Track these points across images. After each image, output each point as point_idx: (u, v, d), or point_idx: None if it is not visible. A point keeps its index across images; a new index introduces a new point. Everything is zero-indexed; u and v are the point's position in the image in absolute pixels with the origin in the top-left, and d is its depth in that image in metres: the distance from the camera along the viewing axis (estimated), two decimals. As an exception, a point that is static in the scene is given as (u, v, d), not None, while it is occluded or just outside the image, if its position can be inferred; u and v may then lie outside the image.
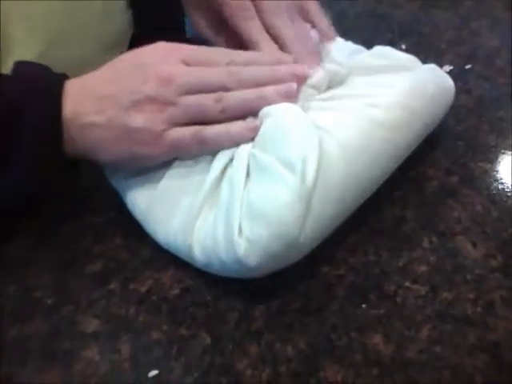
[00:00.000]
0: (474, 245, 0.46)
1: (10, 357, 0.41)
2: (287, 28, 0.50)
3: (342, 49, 0.53)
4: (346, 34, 0.55)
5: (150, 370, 0.39)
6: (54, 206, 0.50)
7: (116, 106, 0.43)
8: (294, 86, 0.45)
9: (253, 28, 0.50)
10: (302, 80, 0.46)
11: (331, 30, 0.53)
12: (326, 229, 0.44)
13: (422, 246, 0.46)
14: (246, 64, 0.47)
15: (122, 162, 0.46)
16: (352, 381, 0.38)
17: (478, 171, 0.52)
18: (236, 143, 0.44)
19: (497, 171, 0.52)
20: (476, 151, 0.54)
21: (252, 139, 0.44)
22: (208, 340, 0.41)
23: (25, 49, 0.47)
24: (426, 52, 0.54)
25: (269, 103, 0.44)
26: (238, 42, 0.51)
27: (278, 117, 0.44)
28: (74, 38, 0.45)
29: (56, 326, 0.42)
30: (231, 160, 0.44)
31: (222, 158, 0.44)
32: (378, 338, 0.40)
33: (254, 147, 0.44)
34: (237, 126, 0.44)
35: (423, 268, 0.44)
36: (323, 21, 0.53)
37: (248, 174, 0.43)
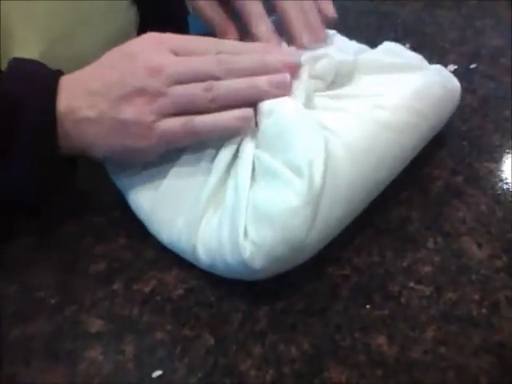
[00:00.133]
0: (479, 245, 0.46)
1: (14, 357, 0.41)
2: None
3: (345, 48, 0.52)
4: (350, 33, 0.55)
5: (153, 371, 0.39)
6: (55, 205, 0.51)
7: (107, 100, 0.43)
8: (288, 76, 0.44)
9: (254, 11, 0.49)
10: (294, 70, 0.45)
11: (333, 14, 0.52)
12: (333, 230, 0.44)
13: (426, 247, 0.46)
14: (236, 53, 0.46)
15: (117, 157, 0.46)
16: (356, 381, 0.38)
17: (483, 171, 0.52)
18: (227, 133, 0.44)
19: (502, 171, 0.52)
20: (481, 151, 0.53)
21: (253, 138, 0.44)
22: (212, 340, 0.41)
23: (26, 48, 0.47)
24: (430, 51, 0.54)
25: (260, 93, 0.44)
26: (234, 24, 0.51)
27: (282, 116, 0.43)
28: (76, 38, 0.46)
29: (59, 326, 0.42)
30: (234, 159, 0.44)
31: (224, 157, 0.44)
32: (382, 339, 0.40)
33: (257, 147, 0.44)
34: (228, 116, 0.43)
35: (428, 268, 0.44)
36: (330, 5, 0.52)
37: (253, 176, 0.43)
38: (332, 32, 0.54)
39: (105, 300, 0.44)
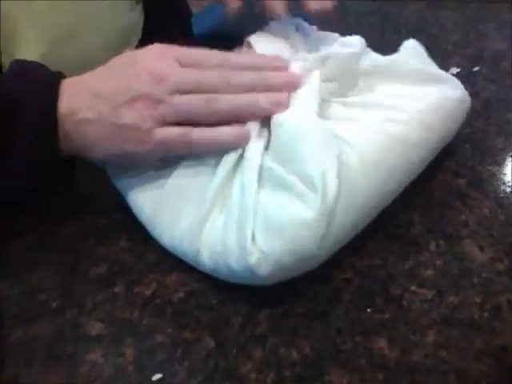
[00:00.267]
0: (481, 248, 0.45)
1: (15, 359, 0.41)
2: None
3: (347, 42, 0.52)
4: (353, 34, 0.55)
5: (154, 374, 0.39)
6: (56, 207, 0.51)
7: (108, 103, 0.44)
8: (286, 96, 0.45)
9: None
10: (295, 87, 0.45)
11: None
12: (343, 240, 0.44)
13: (428, 250, 0.46)
14: (240, 66, 0.47)
15: (116, 160, 0.47)
16: (357, 385, 0.38)
17: (486, 174, 0.52)
18: (223, 148, 0.44)
19: (505, 174, 0.52)
20: (484, 154, 0.53)
21: (258, 142, 0.44)
22: (212, 343, 0.41)
23: (27, 49, 0.47)
24: (432, 54, 0.54)
25: (260, 110, 0.44)
26: None
27: (294, 126, 0.43)
28: (77, 38, 0.46)
29: (60, 328, 0.42)
30: (238, 163, 0.44)
31: (227, 160, 0.44)
32: (383, 343, 0.40)
33: (267, 155, 0.43)
34: (225, 131, 0.44)
35: (430, 272, 0.44)
36: None
37: (262, 183, 0.43)
38: (334, 35, 0.54)
39: (106, 303, 0.44)
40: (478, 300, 0.42)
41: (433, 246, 0.46)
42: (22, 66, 0.46)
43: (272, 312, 0.42)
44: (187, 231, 0.44)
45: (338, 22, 0.52)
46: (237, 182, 0.44)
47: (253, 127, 0.45)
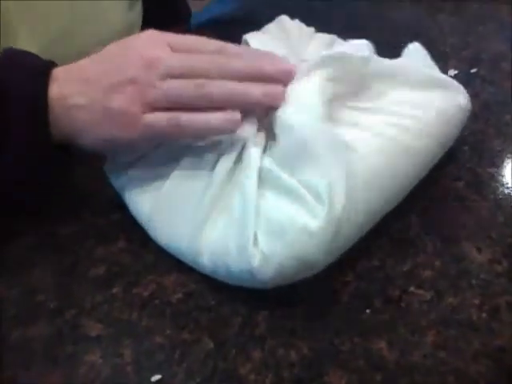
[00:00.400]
0: (480, 250, 0.45)
1: (14, 359, 0.41)
2: None
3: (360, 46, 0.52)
4: (350, 37, 0.55)
5: (152, 375, 0.39)
6: (56, 207, 0.51)
7: (98, 88, 0.43)
8: (281, 88, 0.44)
9: None
10: (289, 78, 0.45)
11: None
12: (346, 247, 0.43)
13: (427, 251, 0.46)
14: (233, 55, 0.46)
15: (104, 146, 0.46)
16: (356, 386, 0.38)
17: (485, 176, 0.52)
18: (214, 134, 0.44)
19: (503, 176, 0.52)
20: (482, 156, 0.53)
21: (257, 142, 0.44)
22: (211, 344, 0.41)
23: (25, 46, 0.47)
24: (430, 56, 0.54)
25: (252, 101, 0.44)
26: None
27: (301, 130, 0.42)
28: (75, 37, 0.46)
29: (59, 329, 0.42)
30: (236, 163, 0.44)
31: (225, 160, 0.44)
32: (382, 343, 0.40)
33: (269, 157, 0.43)
34: (215, 116, 0.43)
35: (428, 273, 0.44)
36: None
37: (264, 185, 0.43)
38: (332, 36, 0.54)
39: (104, 304, 0.44)
40: (477, 301, 0.42)
41: (431, 248, 0.46)
42: (12, 54, 0.46)
43: (271, 313, 0.42)
44: (186, 232, 0.44)
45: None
46: (236, 182, 0.43)
47: (251, 125, 0.44)
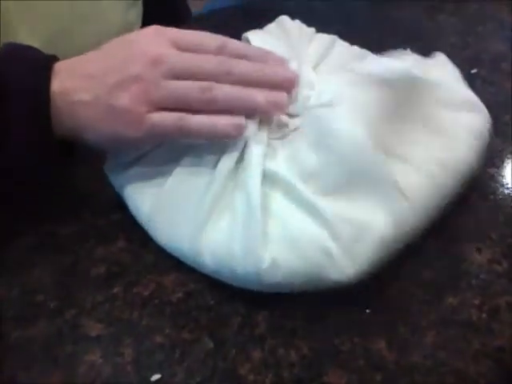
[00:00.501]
0: (479, 250, 0.45)
1: (14, 360, 0.41)
2: None
3: (346, 53, 0.53)
4: (351, 37, 0.55)
5: (152, 374, 0.39)
6: (56, 207, 0.51)
7: (103, 85, 0.43)
8: (284, 96, 0.44)
9: None
10: (293, 85, 0.45)
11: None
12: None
13: (427, 251, 0.46)
14: (238, 53, 0.45)
15: (107, 143, 0.46)
16: (355, 386, 0.38)
17: (484, 176, 0.52)
18: (218, 138, 0.44)
19: (503, 176, 0.52)
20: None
21: (258, 144, 0.44)
22: (211, 344, 0.41)
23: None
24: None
25: (256, 107, 0.44)
26: None
27: (351, 158, 0.42)
28: (75, 36, 0.46)
29: (59, 329, 0.42)
30: (238, 162, 0.44)
31: (227, 160, 0.44)
32: (381, 344, 0.40)
33: (293, 165, 0.43)
34: (222, 121, 0.43)
35: (428, 273, 0.44)
36: None
37: (275, 189, 0.43)
38: (333, 37, 0.54)
39: (104, 303, 0.44)
40: (477, 302, 0.42)
41: (431, 248, 0.46)
42: (13, 48, 0.46)
43: (271, 313, 0.42)
44: (187, 232, 0.44)
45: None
46: (238, 181, 0.43)
47: (252, 124, 0.44)
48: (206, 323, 0.42)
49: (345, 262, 0.40)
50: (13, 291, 0.45)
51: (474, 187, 0.50)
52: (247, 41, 0.50)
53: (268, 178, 0.43)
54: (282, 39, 0.51)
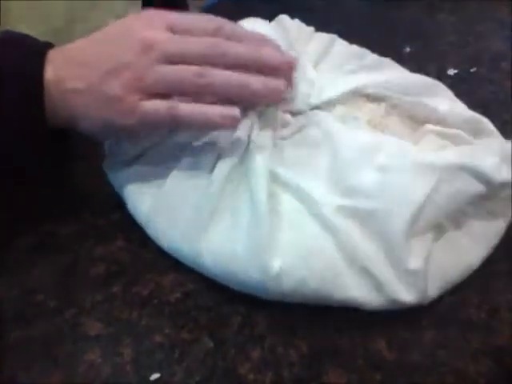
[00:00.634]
0: (479, 249, 0.45)
1: (13, 359, 0.41)
2: None
3: (345, 52, 0.52)
4: (350, 36, 0.55)
5: (151, 374, 0.39)
6: (56, 207, 0.51)
7: (96, 73, 0.43)
8: (282, 84, 0.43)
9: None
10: (290, 69, 0.44)
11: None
12: None
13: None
14: (235, 35, 0.44)
15: (101, 131, 0.46)
16: (355, 385, 0.38)
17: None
18: (211, 128, 0.43)
19: (502, 175, 0.51)
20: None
21: (262, 147, 0.43)
22: (210, 344, 0.41)
23: None
24: (430, 55, 0.54)
25: (252, 94, 0.43)
26: None
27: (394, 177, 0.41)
28: (74, 35, 0.45)
29: (59, 329, 0.42)
30: (240, 162, 0.44)
31: (226, 160, 0.44)
32: (381, 343, 0.40)
33: (307, 173, 0.43)
34: (215, 111, 0.42)
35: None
36: None
37: (287, 192, 0.43)
38: (332, 36, 0.54)
39: (104, 303, 0.44)
40: (476, 300, 0.42)
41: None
42: (8, 35, 0.45)
43: (270, 312, 0.42)
44: (187, 233, 0.44)
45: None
46: (239, 182, 0.43)
47: (252, 124, 0.44)
48: (206, 323, 0.42)
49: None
50: (13, 291, 0.45)
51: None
52: None
53: (275, 179, 0.43)
54: (281, 38, 0.51)
